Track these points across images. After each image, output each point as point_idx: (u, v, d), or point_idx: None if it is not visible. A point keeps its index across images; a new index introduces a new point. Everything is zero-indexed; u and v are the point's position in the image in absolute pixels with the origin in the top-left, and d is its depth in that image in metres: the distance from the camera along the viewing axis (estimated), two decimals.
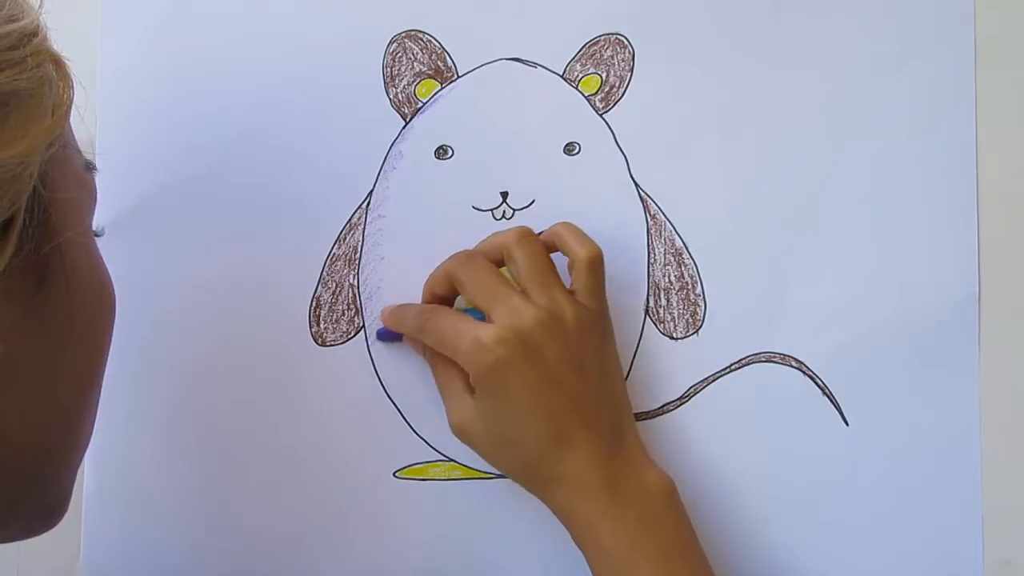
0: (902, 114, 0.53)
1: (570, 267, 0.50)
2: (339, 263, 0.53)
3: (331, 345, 0.53)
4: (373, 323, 0.53)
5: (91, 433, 0.43)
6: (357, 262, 0.53)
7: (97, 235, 0.42)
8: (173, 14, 0.52)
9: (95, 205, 0.42)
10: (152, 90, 0.51)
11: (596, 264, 0.49)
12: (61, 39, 0.36)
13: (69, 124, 0.39)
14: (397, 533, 0.53)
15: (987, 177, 0.53)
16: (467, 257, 0.50)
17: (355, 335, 0.53)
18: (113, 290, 0.42)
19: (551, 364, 0.46)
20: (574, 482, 0.46)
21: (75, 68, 0.37)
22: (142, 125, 0.51)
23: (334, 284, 0.53)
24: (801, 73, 0.53)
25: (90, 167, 0.41)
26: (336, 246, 0.53)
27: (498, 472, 0.52)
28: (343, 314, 0.53)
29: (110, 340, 0.42)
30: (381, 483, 0.53)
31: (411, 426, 0.53)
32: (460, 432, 0.49)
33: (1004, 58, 0.53)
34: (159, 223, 0.51)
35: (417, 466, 0.53)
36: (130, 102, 0.51)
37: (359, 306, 0.53)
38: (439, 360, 0.50)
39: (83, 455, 0.43)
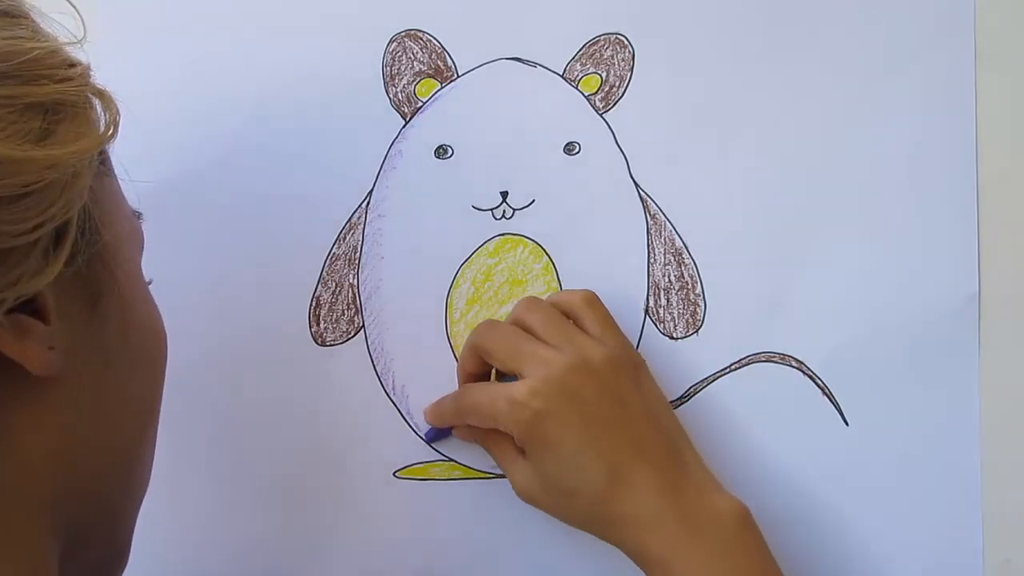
0: (902, 114, 0.53)
1: (575, 319, 0.50)
2: (339, 263, 0.53)
3: (331, 345, 0.53)
4: (373, 323, 0.53)
5: (149, 475, 0.42)
6: (357, 262, 0.53)
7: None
8: (172, 13, 0.52)
9: (142, 249, 0.42)
10: (151, 89, 0.51)
11: (593, 301, 0.49)
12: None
13: (116, 177, 0.40)
14: (397, 533, 0.53)
15: (987, 177, 0.53)
16: (487, 324, 0.49)
17: (355, 335, 0.53)
18: (165, 335, 0.42)
19: (590, 404, 0.45)
20: (641, 520, 0.44)
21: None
22: (141, 125, 0.51)
23: (334, 284, 0.53)
24: (801, 73, 0.53)
25: (136, 214, 0.42)
26: (336, 246, 0.52)
27: (498, 472, 0.52)
28: (343, 314, 0.52)
29: (163, 382, 0.42)
30: (381, 483, 0.53)
31: (411, 426, 0.53)
32: (525, 496, 0.48)
33: (1004, 58, 0.53)
34: (158, 223, 0.51)
35: (417, 466, 0.53)
36: (129, 102, 0.51)
37: (359, 306, 0.53)
38: (487, 435, 0.49)
39: (142, 498, 0.42)
